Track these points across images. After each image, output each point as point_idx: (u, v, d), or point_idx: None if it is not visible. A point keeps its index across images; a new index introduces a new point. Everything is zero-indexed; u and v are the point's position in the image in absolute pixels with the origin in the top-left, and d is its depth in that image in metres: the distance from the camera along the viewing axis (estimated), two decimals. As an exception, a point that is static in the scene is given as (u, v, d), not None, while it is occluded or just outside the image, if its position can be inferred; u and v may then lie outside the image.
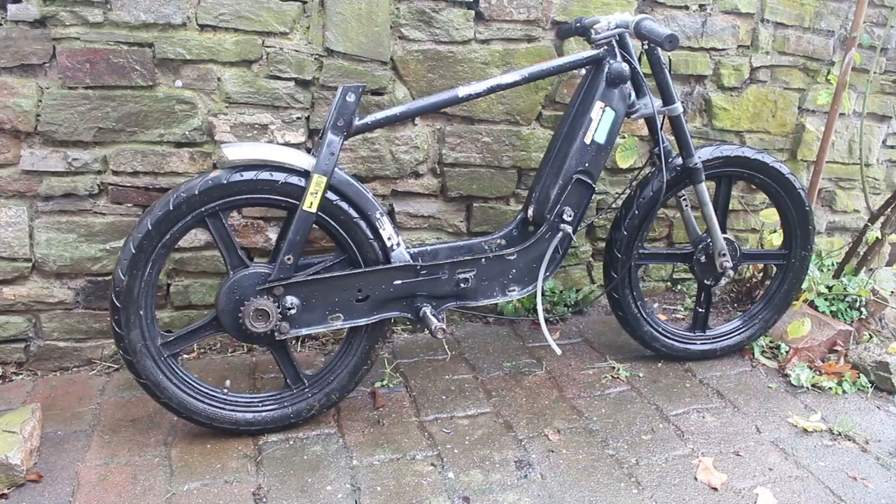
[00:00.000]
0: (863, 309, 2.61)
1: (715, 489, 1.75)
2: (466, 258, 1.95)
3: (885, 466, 1.89)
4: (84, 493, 1.66)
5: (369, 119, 1.83)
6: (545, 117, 2.49)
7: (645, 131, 2.63)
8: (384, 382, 2.19)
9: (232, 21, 2.09)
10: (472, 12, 2.30)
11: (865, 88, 2.78)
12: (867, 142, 2.98)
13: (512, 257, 1.99)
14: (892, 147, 3.09)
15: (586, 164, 1.99)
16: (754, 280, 2.81)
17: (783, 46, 2.72)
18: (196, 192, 1.71)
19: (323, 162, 1.75)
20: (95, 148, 2.09)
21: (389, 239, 1.86)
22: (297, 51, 2.16)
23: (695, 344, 2.38)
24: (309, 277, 1.82)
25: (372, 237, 1.85)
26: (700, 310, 2.38)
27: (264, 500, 1.66)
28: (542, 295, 2.66)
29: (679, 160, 2.14)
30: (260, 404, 1.90)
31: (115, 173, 2.12)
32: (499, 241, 2.11)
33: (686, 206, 2.22)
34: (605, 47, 1.98)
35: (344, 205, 1.81)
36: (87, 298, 2.19)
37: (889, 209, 2.64)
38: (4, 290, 2.11)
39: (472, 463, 1.82)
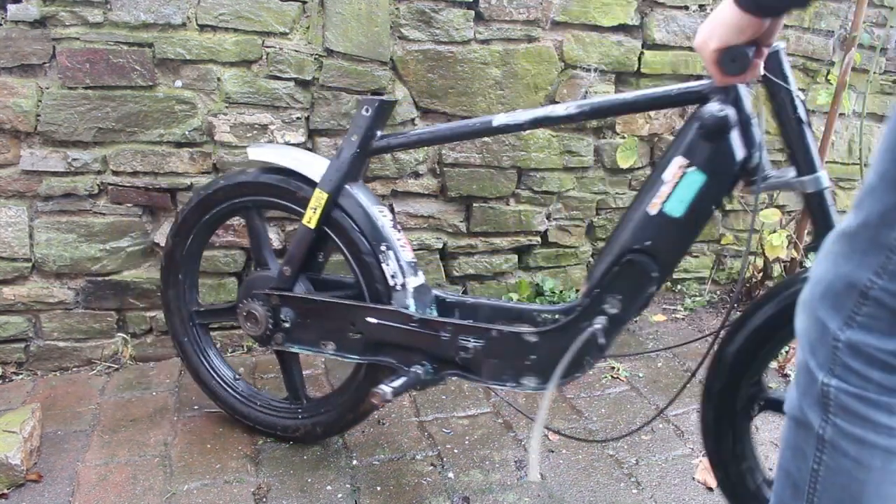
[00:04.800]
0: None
1: (712, 490, 1.75)
2: (471, 325, 1.55)
3: (885, 466, 1.89)
4: (84, 493, 1.66)
5: (392, 140, 1.64)
6: (545, 117, 2.49)
7: (645, 131, 2.64)
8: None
9: (232, 21, 2.09)
10: (472, 12, 2.30)
11: (865, 88, 2.78)
12: (867, 142, 2.98)
13: (532, 339, 1.50)
14: (891, 147, 3.09)
15: (646, 242, 1.38)
16: (754, 280, 2.81)
17: (783, 46, 2.72)
18: (229, 184, 1.75)
19: (328, 177, 1.62)
20: (95, 148, 2.09)
21: (393, 277, 1.62)
22: (296, 51, 2.16)
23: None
24: (302, 295, 1.71)
25: (375, 269, 1.64)
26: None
27: (264, 500, 1.66)
28: (542, 295, 2.67)
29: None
30: (258, 403, 1.90)
31: (115, 173, 2.12)
32: (556, 314, 1.56)
33: None
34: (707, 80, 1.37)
35: (349, 227, 1.63)
36: (87, 298, 2.19)
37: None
38: (4, 290, 2.11)
39: (472, 463, 1.82)
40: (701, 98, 1.37)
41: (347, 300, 1.67)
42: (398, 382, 1.54)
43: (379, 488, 1.71)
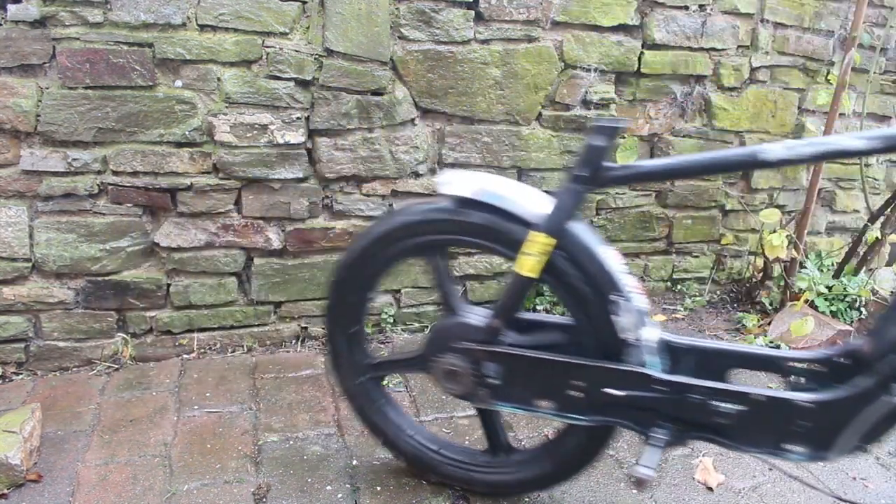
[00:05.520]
0: (863, 309, 2.61)
1: (712, 489, 1.75)
2: (728, 388, 1.35)
3: (885, 466, 1.89)
4: (84, 493, 1.66)
5: (628, 172, 1.39)
6: (545, 117, 2.49)
7: (645, 131, 2.64)
8: (384, 382, 2.19)
9: (232, 21, 2.09)
10: (472, 12, 2.30)
11: (865, 88, 2.78)
12: (867, 142, 2.98)
13: (807, 405, 1.31)
14: (891, 147, 3.09)
15: None
16: (754, 280, 2.81)
17: (783, 46, 2.72)
18: (416, 220, 1.51)
19: (553, 218, 1.37)
20: (95, 148, 2.09)
21: (625, 332, 1.39)
22: (296, 51, 2.16)
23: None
24: (517, 352, 1.46)
25: (604, 322, 1.41)
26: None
27: (264, 500, 1.66)
28: (542, 295, 2.67)
29: None
30: (462, 460, 1.68)
31: (115, 173, 2.12)
32: (811, 364, 1.40)
33: None
34: None
35: (574, 276, 1.40)
36: (87, 298, 2.19)
37: (889, 209, 2.64)
38: (4, 290, 2.11)
39: (471, 463, 1.82)
40: None
41: (571, 357, 1.44)
42: (652, 458, 1.36)
43: (379, 488, 1.71)
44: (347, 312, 1.65)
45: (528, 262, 1.39)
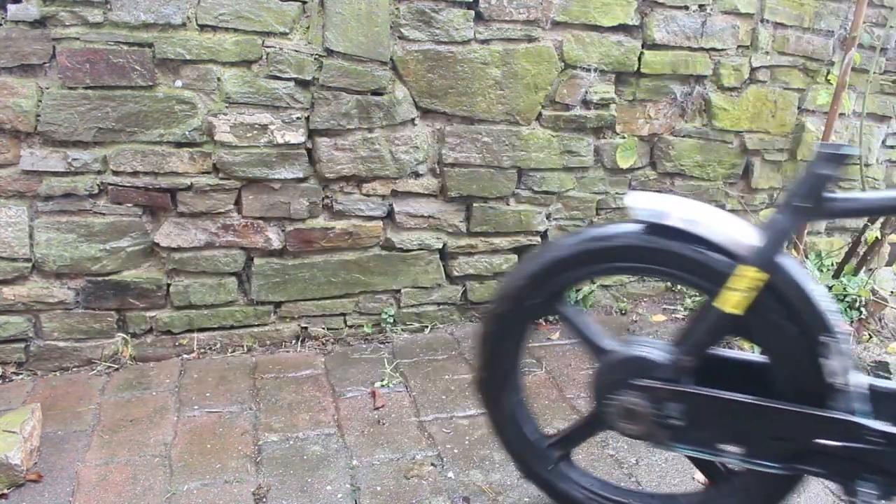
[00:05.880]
0: (862, 309, 2.61)
1: (715, 489, 1.75)
2: None
3: None
4: (84, 493, 1.66)
5: (855, 204, 1.28)
6: (545, 117, 2.49)
7: (645, 131, 2.64)
8: (384, 382, 2.19)
9: (232, 21, 2.09)
10: (472, 12, 2.30)
11: (865, 88, 2.78)
12: (867, 142, 2.98)
13: None
14: (891, 147, 3.09)
15: None
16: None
17: (783, 46, 2.72)
18: (600, 246, 1.38)
19: (765, 252, 1.25)
20: (95, 148, 2.09)
21: (834, 376, 1.27)
22: (296, 51, 2.16)
23: None
24: (711, 393, 1.33)
25: (810, 365, 1.28)
26: None
27: (264, 500, 1.66)
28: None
29: None
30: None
31: (115, 173, 2.12)
32: None
33: None
34: None
35: (780, 314, 1.28)
36: (87, 298, 2.19)
37: (889, 209, 2.64)
38: (4, 290, 2.11)
39: (472, 463, 1.82)
40: None
41: (780, 402, 1.30)
42: None
43: (379, 488, 1.71)
44: (506, 365, 1.45)
45: (734, 298, 1.27)
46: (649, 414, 1.36)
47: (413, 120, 2.36)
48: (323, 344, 2.44)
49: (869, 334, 2.56)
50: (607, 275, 1.42)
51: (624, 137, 2.59)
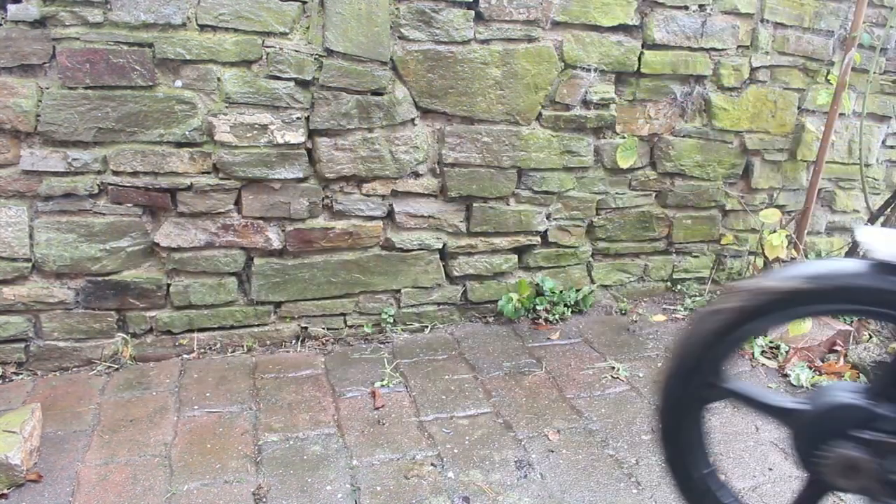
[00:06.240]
0: (862, 309, 2.61)
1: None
2: None
3: None
4: (84, 493, 1.66)
5: None
6: (545, 117, 2.49)
7: (645, 131, 2.64)
8: (384, 382, 2.19)
9: (232, 21, 2.09)
10: (472, 12, 2.30)
11: (865, 88, 2.78)
12: (867, 142, 2.98)
13: None
14: (891, 147, 3.09)
15: None
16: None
17: (783, 46, 2.72)
18: (827, 286, 1.19)
19: None
20: (95, 148, 2.09)
21: None
22: (296, 51, 2.16)
23: None
24: None
25: None
26: None
27: (264, 500, 1.66)
28: (542, 295, 2.68)
29: None
30: None
31: (115, 173, 2.12)
32: None
33: None
34: None
35: None
36: (87, 298, 2.19)
37: (889, 209, 2.64)
38: (4, 290, 2.11)
39: (472, 463, 1.82)
40: None
41: None
42: None
43: (379, 488, 1.71)
44: (692, 426, 1.27)
45: None
46: (870, 468, 1.19)
47: (413, 120, 2.35)
48: (323, 344, 2.44)
49: (869, 334, 2.56)
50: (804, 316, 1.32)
51: (624, 137, 2.59)
